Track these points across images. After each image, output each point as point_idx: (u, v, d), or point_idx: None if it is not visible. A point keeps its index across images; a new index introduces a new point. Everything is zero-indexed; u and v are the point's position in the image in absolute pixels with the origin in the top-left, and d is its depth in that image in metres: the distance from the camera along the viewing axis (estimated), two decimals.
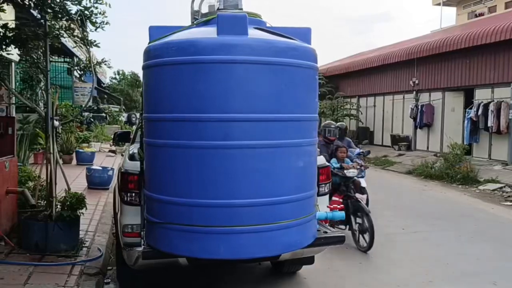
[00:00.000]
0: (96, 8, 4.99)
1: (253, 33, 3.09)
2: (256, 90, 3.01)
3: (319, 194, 3.95)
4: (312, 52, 3.31)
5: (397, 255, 5.65)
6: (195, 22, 3.59)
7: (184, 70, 3.00)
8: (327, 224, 4.06)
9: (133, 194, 3.70)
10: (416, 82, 17.25)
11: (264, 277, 4.90)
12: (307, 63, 3.21)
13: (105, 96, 29.38)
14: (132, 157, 3.91)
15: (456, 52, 14.83)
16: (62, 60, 17.04)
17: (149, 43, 3.31)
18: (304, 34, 3.41)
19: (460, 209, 8.69)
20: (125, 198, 3.75)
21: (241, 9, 3.44)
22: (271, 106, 3.06)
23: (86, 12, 4.95)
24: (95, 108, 22.96)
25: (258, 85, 3.01)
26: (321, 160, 4.14)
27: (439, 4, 27.51)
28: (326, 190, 4.25)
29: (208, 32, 3.06)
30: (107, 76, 35.24)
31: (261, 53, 2.97)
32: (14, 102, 8.71)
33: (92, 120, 20.79)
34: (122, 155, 8.45)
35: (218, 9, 3.45)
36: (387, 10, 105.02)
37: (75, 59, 9.83)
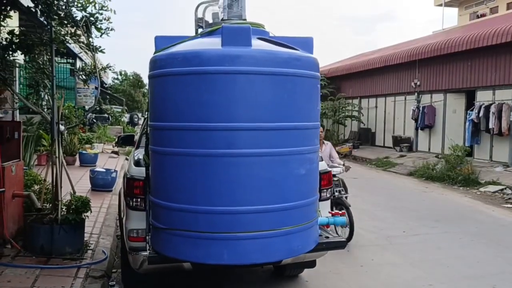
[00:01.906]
0: (101, 14, 5.08)
1: (257, 43, 3.16)
2: (259, 100, 3.08)
3: (320, 200, 4.01)
4: (314, 61, 3.38)
5: (398, 258, 5.71)
6: (199, 32, 3.66)
7: (189, 81, 3.08)
8: (329, 229, 4.12)
9: (139, 200, 3.77)
10: (418, 83, 17.29)
11: (266, 280, 4.97)
12: (309, 73, 3.27)
13: (107, 96, 29.46)
14: (137, 163, 3.97)
15: (458, 54, 14.86)
16: (65, 61, 17.15)
17: (154, 52, 3.38)
18: (306, 43, 3.47)
19: (461, 211, 8.74)
20: (131, 203, 3.82)
21: (245, 19, 3.50)
22: (274, 115, 3.12)
23: (91, 18, 5.03)
24: (98, 109, 23.04)
25: (261, 95, 3.08)
26: (322, 165, 4.19)
27: (441, 5, 27.58)
28: (328, 195, 4.31)
29: (213, 43, 3.13)
30: (109, 76, 35.36)
31: (264, 64, 3.04)
32: (17, 104, 8.80)
33: (94, 121, 20.86)
34: (127, 158, 8.51)
35: (222, 19, 3.52)
36: (389, 10, 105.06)
37: (80, 64, 9.91)
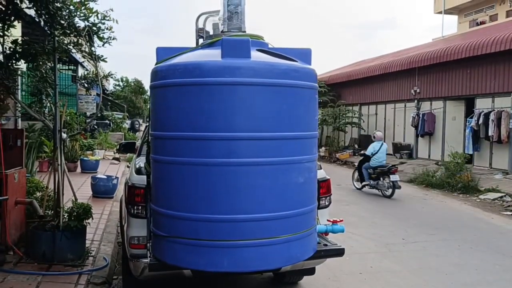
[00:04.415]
0: (104, 24, 5.15)
1: (256, 55, 3.23)
2: (259, 110, 3.14)
3: (319, 207, 4.07)
4: (312, 72, 3.45)
5: (397, 266, 5.75)
6: (200, 43, 3.73)
7: (190, 91, 3.14)
8: (327, 237, 4.17)
9: (140, 207, 3.82)
10: (417, 91, 17.37)
11: (265, 287, 5.01)
12: (307, 84, 3.34)
13: (109, 103, 29.58)
14: (138, 171, 4.03)
15: (457, 61, 14.95)
16: (67, 68, 17.29)
17: (156, 63, 3.45)
18: (305, 54, 3.54)
19: (460, 218, 8.78)
20: (132, 210, 3.87)
21: (244, 31, 3.58)
22: (273, 125, 3.18)
23: (93, 28, 5.10)
24: (99, 115, 23.15)
25: (261, 105, 3.15)
26: (321, 173, 4.25)
27: (440, 13, 27.71)
28: (327, 203, 4.36)
29: (213, 55, 3.20)
30: (110, 83, 35.53)
31: (263, 75, 3.11)
32: (19, 111, 8.88)
33: (95, 127, 20.96)
34: (128, 166, 8.56)
35: (222, 31, 3.59)
36: (389, 17, 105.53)
37: (83, 72, 9.99)
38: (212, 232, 3.13)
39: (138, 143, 6.00)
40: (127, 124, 27.79)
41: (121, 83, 48.24)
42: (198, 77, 3.10)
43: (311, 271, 4.57)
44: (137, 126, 31.63)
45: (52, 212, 5.14)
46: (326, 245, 3.93)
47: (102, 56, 5.37)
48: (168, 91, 3.25)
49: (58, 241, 4.76)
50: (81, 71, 15.44)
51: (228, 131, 3.10)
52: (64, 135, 5.14)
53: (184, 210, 3.20)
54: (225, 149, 3.11)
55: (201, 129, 3.11)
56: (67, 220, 4.93)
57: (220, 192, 3.13)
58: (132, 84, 46.80)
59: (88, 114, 17.77)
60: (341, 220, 4.03)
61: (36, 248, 4.84)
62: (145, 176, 3.79)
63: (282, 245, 3.24)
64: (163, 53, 3.44)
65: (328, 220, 4.08)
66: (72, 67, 17.32)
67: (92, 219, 5.23)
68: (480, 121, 13.68)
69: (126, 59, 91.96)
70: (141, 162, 4.30)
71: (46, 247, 4.78)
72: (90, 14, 5.04)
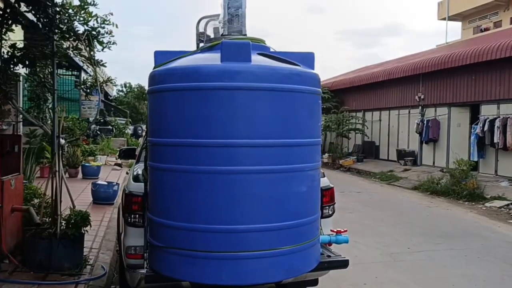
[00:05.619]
0: (103, 28, 5.08)
1: (257, 59, 3.11)
2: (260, 116, 3.02)
3: (322, 217, 3.93)
4: (315, 77, 3.33)
5: (402, 276, 5.60)
6: (199, 47, 3.63)
7: (188, 96, 3.03)
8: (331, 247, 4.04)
9: (137, 216, 3.71)
10: (422, 97, 17.25)
11: None
12: (310, 89, 3.22)
13: (112, 108, 29.61)
14: (136, 178, 3.92)
15: (462, 67, 14.84)
16: (70, 73, 17.29)
17: (154, 68, 3.35)
18: (307, 58, 3.43)
19: (466, 227, 8.62)
20: (129, 219, 3.76)
21: (245, 34, 3.48)
22: (275, 131, 3.07)
23: (93, 32, 5.03)
24: (102, 120, 23.14)
25: (262, 110, 3.03)
26: (324, 181, 4.13)
27: (444, 19, 27.63)
28: (330, 213, 4.23)
29: (212, 59, 3.09)
30: (114, 88, 35.61)
31: (264, 80, 2.99)
32: (20, 117, 8.81)
33: (98, 132, 20.94)
34: (127, 173, 8.47)
35: (222, 34, 3.49)
36: (393, 23, 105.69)
37: (83, 77, 9.98)
38: (210, 243, 3.00)
39: (139, 149, 5.90)
40: (129, 130, 27.78)
41: (124, 89, 48.41)
42: (197, 82, 2.98)
43: (314, 282, 4.42)
44: (140, 132, 31.61)
45: (50, 219, 5.03)
46: (329, 256, 3.80)
47: (101, 61, 5.30)
48: (166, 96, 3.14)
49: (55, 249, 4.65)
50: (83, 77, 15.44)
51: (227, 138, 2.98)
52: (62, 141, 5.04)
53: (181, 219, 3.08)
54: (224, 156, 2.99)
55: (199, 135, 3.00)
56: (64, 227, 4.82)
57: (219, 201, 3.01)
58: (135, 90, 46.97)
59: (90, 119, 17.76)
60: (345, 230, 3.89)
61: (32, 256, 4.73)
62: (142, 184, 3.68)
63: (283, 257, 3.11)
64: (161, 57, 3.33)
65: (331, 230, 3.95)
66: (75, 73, 17.32)
67: (90, 226, 5.12)
68: (486, 127, 13.54)
69: (131, 65, 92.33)
70: (139, 169, 4.19)
71: (42, 256, 4.67)
72: (90, 18, 4.96)
